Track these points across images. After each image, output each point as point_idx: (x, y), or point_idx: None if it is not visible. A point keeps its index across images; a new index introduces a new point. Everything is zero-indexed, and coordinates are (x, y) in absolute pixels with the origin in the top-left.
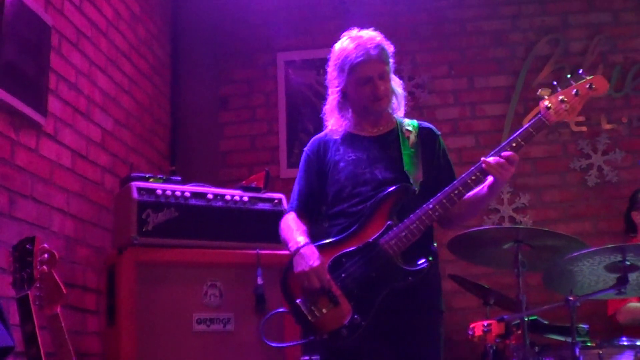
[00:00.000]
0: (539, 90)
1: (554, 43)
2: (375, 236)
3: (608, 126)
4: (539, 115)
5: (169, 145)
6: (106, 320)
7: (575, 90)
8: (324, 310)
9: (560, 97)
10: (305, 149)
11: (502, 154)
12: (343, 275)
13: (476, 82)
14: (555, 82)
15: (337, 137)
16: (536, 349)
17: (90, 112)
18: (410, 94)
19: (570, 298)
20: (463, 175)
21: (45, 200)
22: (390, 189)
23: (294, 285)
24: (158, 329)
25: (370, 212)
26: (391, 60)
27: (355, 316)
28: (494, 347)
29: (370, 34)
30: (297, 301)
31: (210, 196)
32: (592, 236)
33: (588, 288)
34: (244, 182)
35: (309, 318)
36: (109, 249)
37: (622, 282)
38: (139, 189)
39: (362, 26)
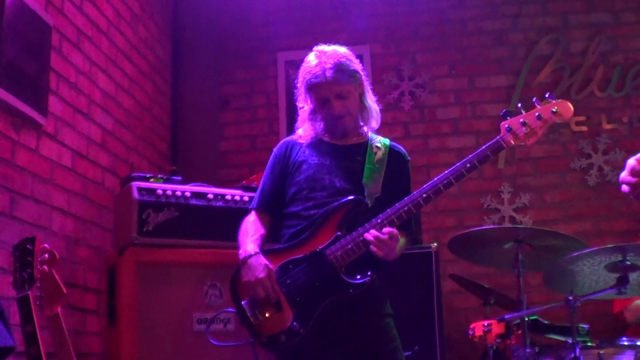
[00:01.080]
0: (502, 111)
1: (555, 43)
2: (322, 246)
3: (608, 126)
4: (498, 137)
5: (170, 145)
6: (106, 320)
7: (537, 114)
8: (267, 315)
9: (522, 120)
10: (274, 148)
11: (384, 230)
12: (288, 281)
13: (477, 81)
14: (519, 105)
15: (305, 141)
16: (536, 349)
17: (91, 112)
18: (411, 94)
19: (571, 298)
20: (414, 193)
21: (46, 200)
22: (342, 200)
23: (241, 287)
24: (158, 329)
25: (321, 221)
26: (360, 75)
27: (295, 323)
28: (494, 347)
29: (333, 52)
30: (242, 303)
31: (210, 196)
32: (592, 236)
33: (588, 288)
34: (244, 182)
35: (252, 320)
36: (110, 249)
37: (622, 282)
38: (140, 189)
39: (363, 27)
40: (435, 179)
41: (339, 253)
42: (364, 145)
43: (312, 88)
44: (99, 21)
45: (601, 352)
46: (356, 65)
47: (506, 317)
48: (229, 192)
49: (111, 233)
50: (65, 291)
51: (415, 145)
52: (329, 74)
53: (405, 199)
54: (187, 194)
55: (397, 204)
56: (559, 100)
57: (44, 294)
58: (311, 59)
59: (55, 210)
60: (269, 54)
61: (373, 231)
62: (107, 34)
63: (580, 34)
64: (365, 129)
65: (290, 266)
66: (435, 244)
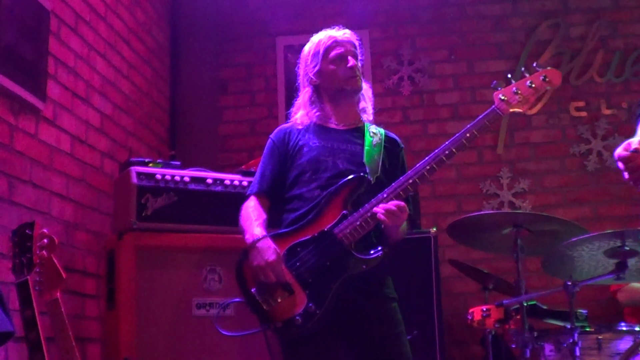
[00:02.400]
0: (494, 82)
1: (555, 27)
2: (330, 225)
3: (608, 111)
4: (493, 106)
5: (168, 129)
6: (106, 305)
7: (529, 82)
8: (279, 300)
9: (514, 89)
10: (270, 136)
11: (393, 202)
12: (298, 264)
13: (476, 66)
14: (509, 75)
15: (303, 127)
16: (535, 333)
17: (90, 96)
18: (410, 79)
19: (569, 283)
20: (417, 165)
21: (45, 185)
22: (346, 179)
23: (249, 275)
24: (157, 314)
25: (326, 201)
26: (360, 57)
27: (310, 304)
28: (493, 332)
29: (339, 28)
30: (252, 290)
31: (209, 181)
32: (591, 221)
33: (587, 273)
34: (243, 166)
35: (264, 307)
36: (109, 234)
37: (621, 267)
38: (139, 174)
39: (362, 11)
40: (436, 150)
41: (347, 230)
42: (362, 129)
43: (329, 48)
44: (97, 5)
45: (599, 337)
46: (357, 41)
47: (505, 302)
48: (228, 177)
49: (110, 218)
50: (64, 276)
51: (414, 130)
52: (345, 36)
53: (409, 172)
54: (186, 178)
55: (401, 178)
56: (548, 68)
57: (43, 279)
58: (317, 36)
59: (54, 195)
60: (267, 38)
61: (381, 205)
62: (105, 18)
63: (580, 18)
64: (363, 115)
65: (299, 249)
66: (435, 229)
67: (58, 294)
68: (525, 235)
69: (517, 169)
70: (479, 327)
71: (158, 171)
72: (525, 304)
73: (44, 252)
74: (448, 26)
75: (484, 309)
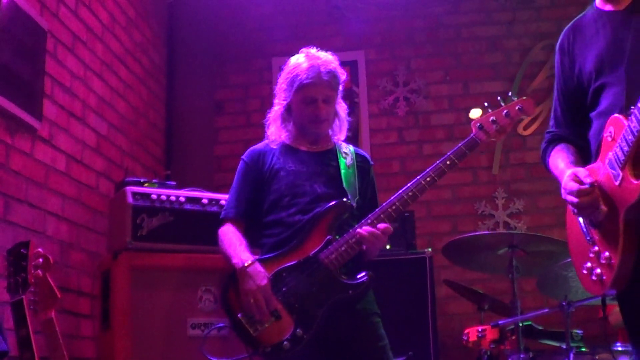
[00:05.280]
0: (471, 110)
1: (549, 49)
2: (315, 251)
3: None
4: (472, 134)
5: (164, 149)
6: (100, 325)
7: (505, 111)
8: (266, 325)
9: (492, 118)
10: (243, 157)
11: (379, 225)
12: (284, 289)
13: (471, 87)
14: (486, 104)
15: (275, 147)
16: (530, 354)
17: (86, 116)
18: (405, 99)
19: (565, 303)
20: (400, 191)
21: (40, 204)
22: (330, 204)
23: (234, 300)
24: (152, 334)
25: (310, 227)
26: (340, 87)
27: (298, 329)
28: (489, 353)
29: (327, 58)
30: (239, 316)
31: (205, 201)
32: None
33: (582, 294)
34: None
35: (251, 332)
36: (104, 254)
37: None
38: (134, 194)
39: (358, 32)
40: (418, 176)
41: (333, 256)
42: (334, 151)
43: (304, 87)
44: (94, 25)
45: (595, 357)
46: (342, 75)
47: (500, 322)
48: (223, 197)
49: (105, 237)
50: (59, 295)
51: (409, 151)
52: (324, 77)
53: (392, 197)
54: (182, 198)
55: (384, 204)
56: (523, 98)
57: (38, 299)
58: (302, 60)
59: (50, 215)
60: (263, 59)
61: (366, 227)
62: (101, 39)
63: None
64: (334, 137)
65: (284, 274)
66: (430, 250)
67: (53, 313)
68: (521, 256)
69: (512, 190)
70: (474, 348)
71: (153, 191)
72: (520, 325)
73: (39, 271)
74: (443, 47)
75: (480, 330)
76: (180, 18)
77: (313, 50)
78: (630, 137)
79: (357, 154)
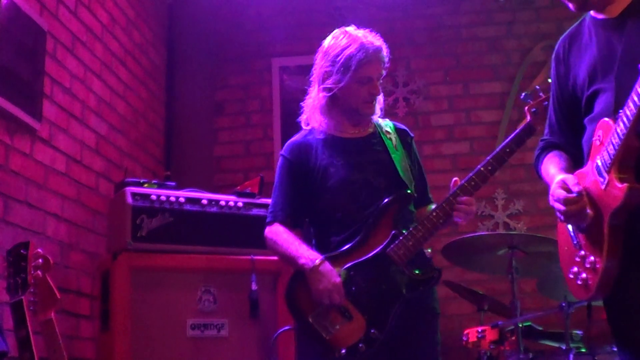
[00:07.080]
0: (522, 94)
1: (549, 49)
2: (382, 246)
3: None
4: (529, 120)
5: (164, 150)
6: (100, 326)
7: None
8: (337, 326)
9: (546, 103)
10: (282, 153)
11: (460, 199)
12: (353, 288)
13: (471, 88)
14: (537, 87)
15: (317, 140)
16: (530, 355)
17: (85, 117)
18: (405, 100)
19: (564, 304)
20: (462, 181)
21: (40, 205)
22: (391, 198)
23: (303, 302)
24: (152, 335)
25: (373, 222)
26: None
27: (372, 330)
28: (488, 353)
29: (370, 35)
30: (310, 319)
31: (204, 202)
32: None
33: None
34: (238, 187)
35: (324, 335)
36: (103, 254)
37: None
38: (134, 194)
39: None
40: (478, 165)
41: (401, 252)
42: (376, 133)
43: (361, 66)
44: (94, 26)
45: (595, 358)
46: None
47: (500, 323)
48: (223, 198)
49: (105, 238)
50: (59, 296)
51: None
52: (380, 54)
53: (454, 188)
54: (181, 199)
55: (448, 195)
56: None
57: (37, 299)
58: (346, 42)
59: (49, 215)
60: (263, 60)
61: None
62: (101, 39)
63: None
64: (373, 116)
65: (352, 272)
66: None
67: (52, 314)
68: (521, 257)
69: (512, 190)
70: (474, 349)
71: (153, 192)
72: (520, 325)
73: (38, 272)
74: (443, 48)
75: (479, 330)
76: (180, 18)
77: (351, 29)
78: (616, 140)
79: (397, 129)
